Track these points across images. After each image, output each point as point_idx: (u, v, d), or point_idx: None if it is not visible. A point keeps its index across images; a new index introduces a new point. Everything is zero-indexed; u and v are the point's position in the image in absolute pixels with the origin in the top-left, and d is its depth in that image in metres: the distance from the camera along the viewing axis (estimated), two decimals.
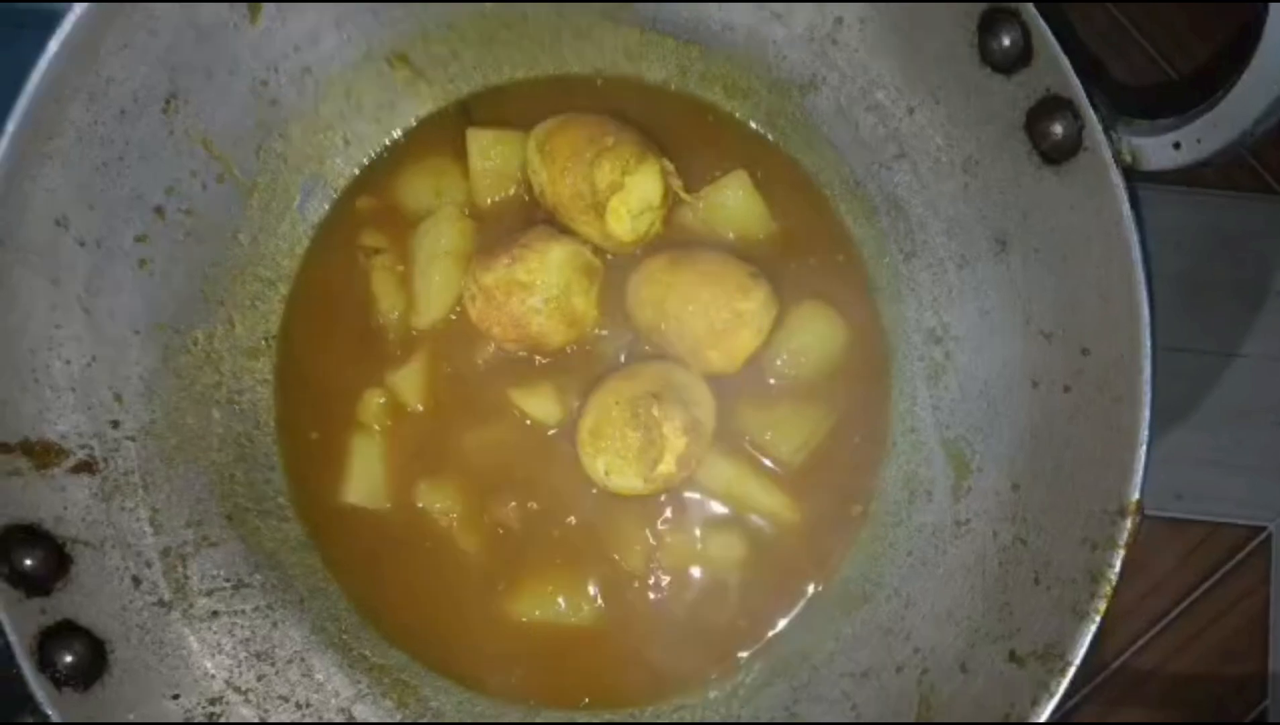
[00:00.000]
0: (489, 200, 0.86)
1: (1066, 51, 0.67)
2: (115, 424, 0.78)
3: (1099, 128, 0.66)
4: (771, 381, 0.84)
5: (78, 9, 0.69)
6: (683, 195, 0.82)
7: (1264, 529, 0.93)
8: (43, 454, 0.74)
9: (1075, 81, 0.67)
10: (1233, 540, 0.93)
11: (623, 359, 0.84)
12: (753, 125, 0.88)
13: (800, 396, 0.84)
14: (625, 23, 0.86)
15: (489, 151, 0.85)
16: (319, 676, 0.82)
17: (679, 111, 0.87)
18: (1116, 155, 0.66)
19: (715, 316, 0.80)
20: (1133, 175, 0.66)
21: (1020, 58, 0.69)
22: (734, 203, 0.84)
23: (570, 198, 0.81)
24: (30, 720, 0.69)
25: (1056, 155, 0.70)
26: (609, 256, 0.84)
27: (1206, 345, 0.93)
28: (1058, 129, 0.69)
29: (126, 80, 0.74)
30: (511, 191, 0.86)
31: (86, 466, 0.76)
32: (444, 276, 0.84)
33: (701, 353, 0.81)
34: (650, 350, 0.84)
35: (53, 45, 0.70)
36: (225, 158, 0.82)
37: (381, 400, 0.84)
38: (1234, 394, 0.93)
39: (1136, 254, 0.66)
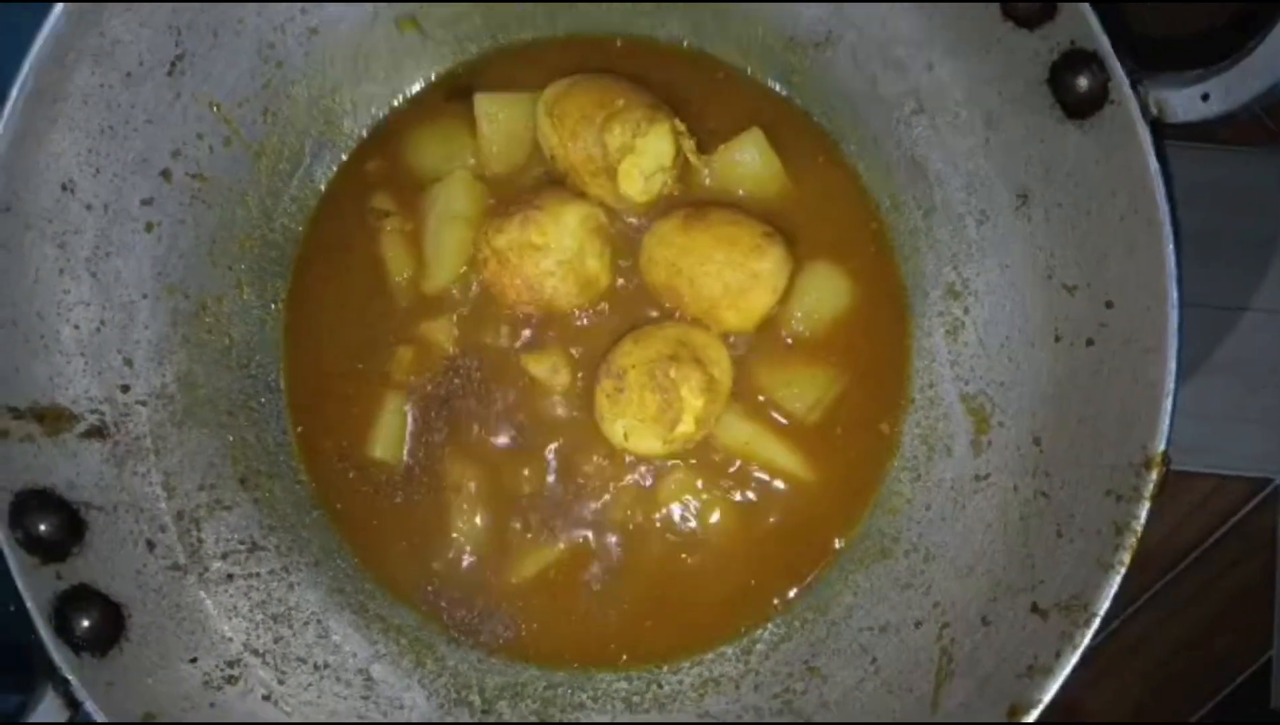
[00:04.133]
0: (499, 163, 0.85)
1: (1091, 4, 0.66)
2: (125, 388, 0.77)
3: (1125, 81, 0.66)
4: (788, 340, 0.83)
5: None
6: (693, 159, 0.81)
7: (1271, 481, 0.94)
8: (54, 419, 0.73)
9: (1101, 34, 0.67)
10: (1240, 493, 0.95)
11: (637, 320, 0.83)
12: (768, 82, 0.87)
13: (816, 354, 0.84)
14: None
15: (497, 115, 0.84)
16: (336, 638, 0.81)
17: (694, 70, 0.86)
18: (1143, 108, 0.66)
19: (730, 277, 0.80)
20: (1159, 127, 0.66)
21: (1043, 11, 0.69)
22: (749, 161, 0.83)
23: (581, 161, 0.81)
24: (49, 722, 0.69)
25: (1081, 109, 0.69)
26: (623, 217, 0.84)
27: (1214, 299, 0.94)
28: (1082, 82, 0.68)
29: (132, 42, 0.73)
30: (522, 153, 0.85)
31: (98, 431, 0.75)
32: (454, 239, 0.83)
33: (717, 313, 0.81)
34: (665, 310, 0.83)
35: (58, 7, 0.69)
36: (232, 120, 0.81)
37: (409, 356, 0.84)
38: (1242, 348, 0.94)
39: (1164, 206, 0.66)
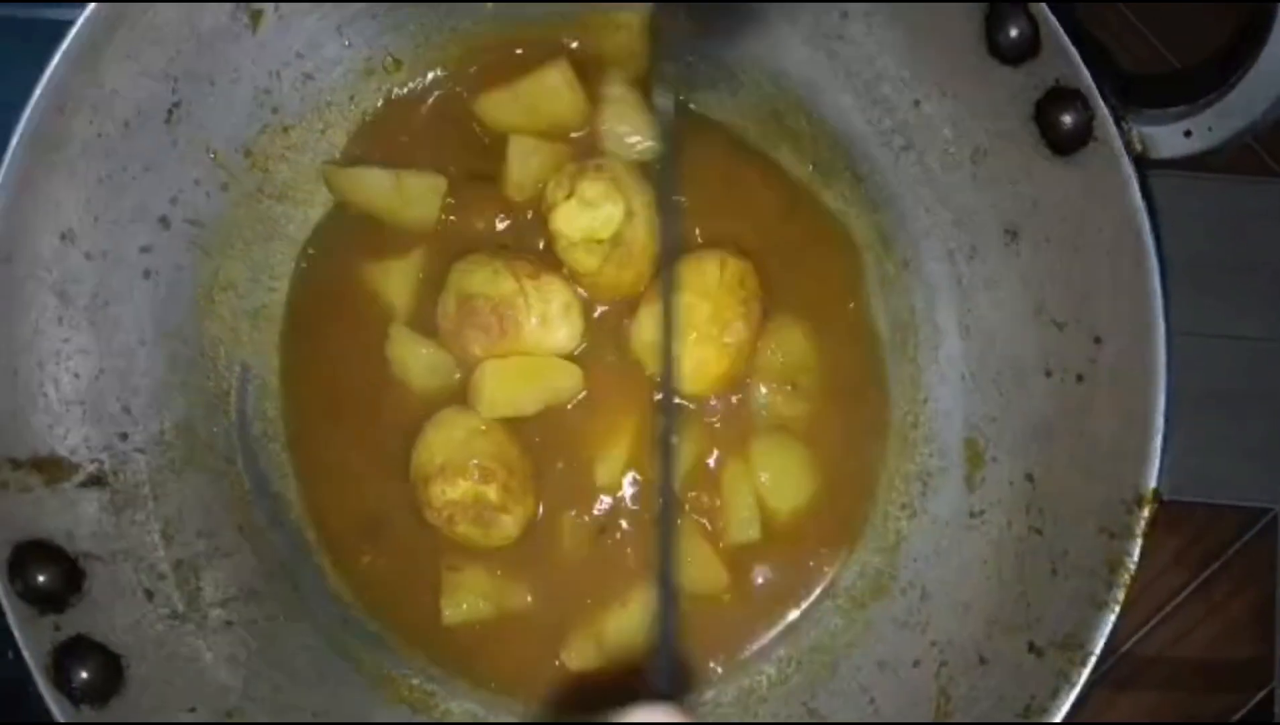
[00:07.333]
0: (520, 198, 0.84)
1: (1074, 42, 0.67)
2: (124, 437, 0.77)
3: (1109, 118, 0.66)
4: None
5: (81, 19, 0.69)
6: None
7: (1270, 511, 0.94)
8: (53, 469, 0.73)
9: (1084, 72, 0.67)
10: (1238, 523, 0.94)
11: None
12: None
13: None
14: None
15: (529, 159, 0.84)
16: (333, 684, 0.81)
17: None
18: (1127, 144, 0.66)
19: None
20: (1143, 163, 0.67)
21: (1028, 49, 0.69)
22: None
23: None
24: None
25: (1066, 145, 0.69)
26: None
27: (1211, 329, 0.94)
28: (1067, 119, 0.68)
29: (130, 91, 0.74)
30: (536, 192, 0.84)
31: (97, 480, 0.75)
32: None
33: None
34: None
35: (56, 57, 0.69)
36: (229, 166, 0.81)
37: None
38: (1239, 377, 0.94)
39: (1149, 242, 0.66)
